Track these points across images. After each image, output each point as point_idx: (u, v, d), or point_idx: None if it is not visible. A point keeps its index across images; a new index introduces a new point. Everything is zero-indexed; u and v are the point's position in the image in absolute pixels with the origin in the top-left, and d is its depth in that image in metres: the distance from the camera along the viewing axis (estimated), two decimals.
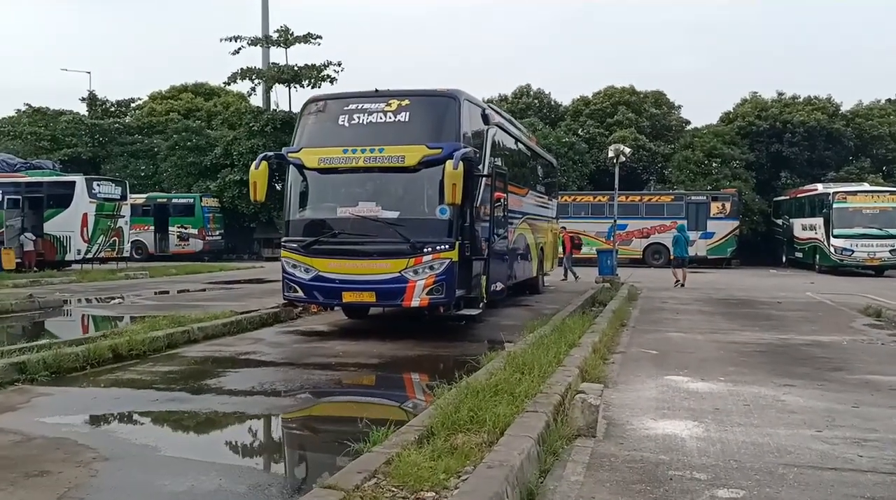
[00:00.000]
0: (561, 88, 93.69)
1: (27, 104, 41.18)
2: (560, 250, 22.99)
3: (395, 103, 10.85)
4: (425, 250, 10.21)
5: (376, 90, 11.16)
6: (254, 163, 10.59)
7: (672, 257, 22.96)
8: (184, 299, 15.88)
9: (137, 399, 6.92)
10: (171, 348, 9.35)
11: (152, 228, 35.12)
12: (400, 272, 10.23)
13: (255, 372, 8.17)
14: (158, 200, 35.72)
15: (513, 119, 15.56)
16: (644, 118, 41.66)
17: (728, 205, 33.54)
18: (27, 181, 26.02)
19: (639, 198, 34.98)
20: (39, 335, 9.95)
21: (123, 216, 27.33)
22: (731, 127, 39.47)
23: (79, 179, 25.95)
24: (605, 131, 40.42)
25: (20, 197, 25.64)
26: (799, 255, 32.09)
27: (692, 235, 33.91)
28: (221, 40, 38.22)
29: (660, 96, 43.94)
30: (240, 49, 38.46)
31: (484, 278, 11.24)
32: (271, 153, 11.06)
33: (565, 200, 34.08)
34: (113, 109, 42.73)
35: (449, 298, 10.38)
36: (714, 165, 38.52)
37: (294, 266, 10.69)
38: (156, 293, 17.45)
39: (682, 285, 20.41)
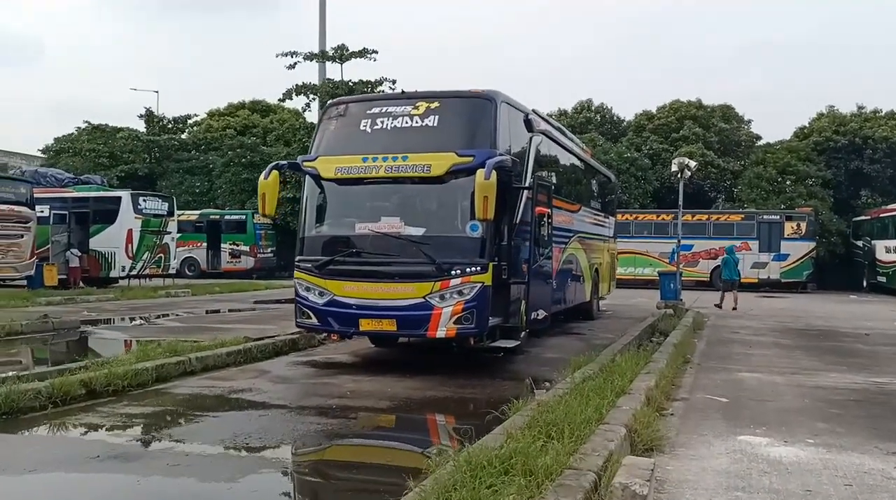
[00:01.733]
0: (623, 101, 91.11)
1: (87, 121, 41.68)
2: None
3: (423, 106, 9.60)
4: (453, 272, 8.87)
5: (403, 92, 9.97)
6: (263, 172, 9.46)
7: (721, 280, 22.14)
8: (210, 321, 14.91)
9: (74, 456, 5.71)
10: (161, 381, 8.23)
11: (205, 244, 34.79)
12: (424, 298, 8.92)
13: (237, 418, 6.92)
14: (211, 216, 35.40)
15: (564, 128, 14.15)
16: (712, 133, 39.48)
17: (804, 225, 31.19)
18: (74, 196, 25.77)
19: (706, 217, 32.88)
20: (38, 361, 8.95)
21: (170, 232, 26.82)
22: (807, 143, 37.02)
23: (124, 194, 25.56)
24: (669, 147, 38.43)
25: (67, 212, 25.41)
26: (882, 279, 29.54)
27: (764, 256, 31.84)
28: (277, 55, 37.90)
29: (728, 110, 41.69)
30: (295, 64, 37.91)
31: (523, 304, 9.82)
32: (284, 162, 9.91)
33: (626, 219, 32.32)
34: (170, 125, 42.88)
35: (480, 328, 9.00)
36: (788, 182, 36.10)
37: (307, 289, 9.49)
38: (184, 314, 16.53)
39: (734, 309, 19.69)
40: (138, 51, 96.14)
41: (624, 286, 29.54)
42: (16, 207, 21.14)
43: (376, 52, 37.56)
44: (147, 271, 25.97)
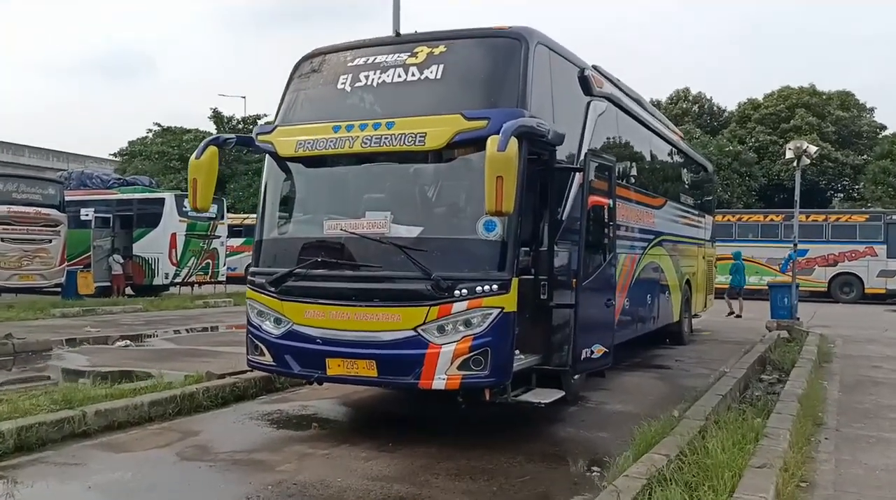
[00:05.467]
0: (724, 90, 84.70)
1: (157, 124, 40.92)
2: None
3: (423, 52, 6.70)
4: (457, 291, 5.91)
5: (397, 34, 7.08)
6: (196, 150, 6.74)
7: (727, 287, 20.76)
8: (212, 341, 12.46)
9: None
10: (22, 451, 5.66)
11: None
12: (415, 330, 5.99)
13: None
14: None
15: (642, 98, 10.89)
16: (828, 123, 34.76)
17: None
18: (118, 199, 24.18)
19: (823, 217, 28.35)
20: None
21: (219, 237, 24.90)
22: None
23: (168, 196, 23.76)
24: (778, 139, 33.96)
25: (111, 216, 23.83)
26: None
27: (893, 263, 27.16)
28: None
29: (847, 97, 36.80)
30: None
31: (570, 335, 6.73)
32: (229, 136, 7.12)
33: (728, 220, 28.34)
34: (240, 126, 41.60)
35: (497, 377, 6.00)
36: None
37: (260, 314, 6.73)
38: (191, 332, 14.15)
39: (739, 317, 19.06)
40: (235, 60, 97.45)
41: (723, 296, 25.68)
42: (43, 210, 19.54)
43: None
44: (193, 279, 24.15)
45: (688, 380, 9.47)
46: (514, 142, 5.56)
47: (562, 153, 6.99)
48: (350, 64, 6.99)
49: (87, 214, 23.74)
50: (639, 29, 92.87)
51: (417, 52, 6.72)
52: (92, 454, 5.86)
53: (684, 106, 39.35)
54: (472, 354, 5.91)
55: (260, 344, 6.71)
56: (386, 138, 6.21)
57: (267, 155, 7.06)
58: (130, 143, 43.18)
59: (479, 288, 5.92)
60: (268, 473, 5.39)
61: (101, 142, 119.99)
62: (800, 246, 20.02)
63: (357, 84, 6.84)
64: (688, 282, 13.32)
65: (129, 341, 12.19)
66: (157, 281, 23.39)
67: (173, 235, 23.20)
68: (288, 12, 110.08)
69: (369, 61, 6.88)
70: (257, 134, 6.96)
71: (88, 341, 12.07)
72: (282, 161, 6.89)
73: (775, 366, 10.26)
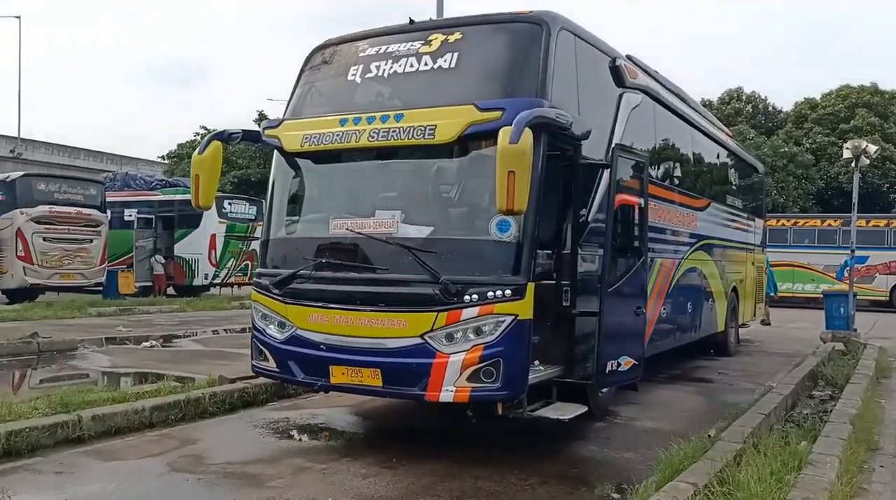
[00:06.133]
0: (780, 90, 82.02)
1: (203, 127, 41.39)
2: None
3: (437, 40, 6.26)
4: (467, 297, 5.45)
5: (411, 21, 6.64)
6: (200, 145, 6.41)
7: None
8: (239, 344, 12.20)
9: None
10: (10, 457, 5.40)
11: None
12: (422, 337, 5.55)
13: None
14: None
15: (683, 92, 10.24)
16: (891, 123, 33.15)
17: None
18: (160, 200, 24.34)
19: (884, 222, 26.99)
20: None
21: (258, 238, 24.84)
22: None
23: None
24: (837, 140, 32.48)
25: (153, 216, 24.03)
26: None
27: None
28: None
29: None
30: None
31: (595, 346, 6.19)
32: (235, 130, 6.75)
33: (782, 225, 27.23)
34: None
35: (510, 390, 5.52)
36: None
37: (264, 317, 6.37)
38: (223, 333, 13.97)
39: (768, 324, 17.57)
40: (286, 64, 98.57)
41: (779, 305, 24.59)
42: (84, 210, 19.71)
43: None
44: (232, 280, 24.23)
45: (730, 395, 8.81)
46: (528, 134, 5.08)
47: (590, 149, 6.46)
48: (361, 54, 6.59)
49: (130, 214, 24.08)
50: (684, 26, 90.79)
51: (431, 41, 6.28)
52: (81, 461, 5.57)
53: (737, 106, 38.02)
54: (482, 364, 5.44)
55: (264, 349, 6.36)
56: (394, 132, 5.78)
57: (275, 151, 6.71)
58: (179, 145, 43.77)
59: (490, 293, 5.45)
60: (256, 488, 4.99)
61: (154, 145, 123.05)
62: (859, 252, 18.99)
63: (368, 75, 6.44)
64: (734, 289, 12.57)
65: (154, 342, 12.03)
66: (198, 282, 23.49)
67: (213, 237, 23.27)
68: (341, 17, 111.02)
69: (381, 51, 6.47)
70: (264, 128, 6.60)
71: (115, 341, 11.94)
72: (288, 157, 6.52)
73: (828, 381, 9.49)
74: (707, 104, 37.82)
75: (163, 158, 45.29)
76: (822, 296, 16.66)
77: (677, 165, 9.66)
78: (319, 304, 5.96)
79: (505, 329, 5.45)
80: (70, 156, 47.40)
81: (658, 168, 8.77)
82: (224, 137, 6.47)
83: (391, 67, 6.35)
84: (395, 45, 6.45)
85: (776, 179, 31.59)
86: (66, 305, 17.14)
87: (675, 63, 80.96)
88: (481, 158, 5.73)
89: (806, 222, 28.35)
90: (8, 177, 19.33)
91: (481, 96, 5.74)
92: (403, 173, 6.31)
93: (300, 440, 6.43)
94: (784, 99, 58.30)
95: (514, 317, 5.45)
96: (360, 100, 6.40)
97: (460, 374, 5.46)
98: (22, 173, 20.34)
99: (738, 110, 37.85)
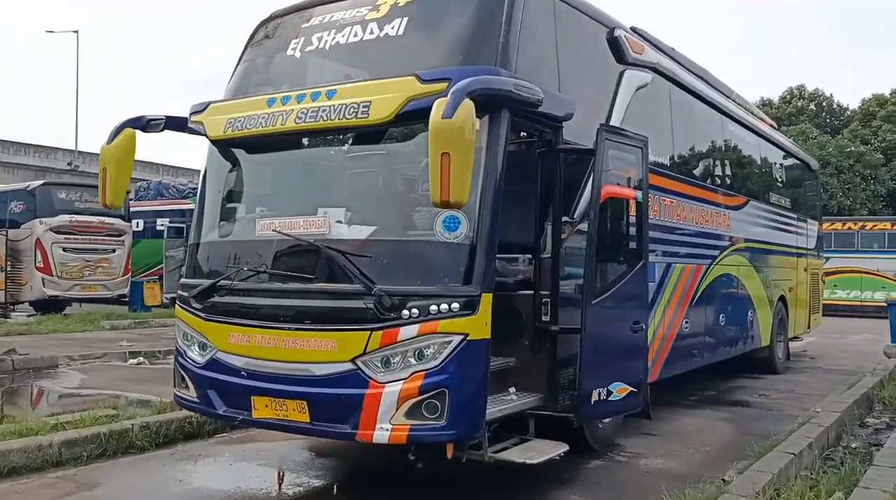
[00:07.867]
0: (845, 87, 78.12)
1: None
2: None
3: (385, 4, 5.25)
4: (405, 312, 4.39)
5: None
6: (109, 134, 5.53)
7: None
8: None
9: None
10: None
11: None
12: (353, 361, 4.51)
13: None
14: None
15: (709, 73, 8.94)
16: None
17: None
18: (191, 208, 23.93)
19: None
20: None
21: None
22: None
23: None
24: None
25: (184, 226, 23.63)
26: None
27: None
28: None
29: None
30: None
31: (578, 371, 5.04)
32: (155, 117, 5.81)
33: (848, 228, 25.26)
34: None
35: (458, 428, 4.41)
36: None
37: (185, 337, 5.43)
38: None
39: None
40: None
41: (843, 314, 22.71)
42: (107, 219, 19.32)
43: None
44: None
45: (767, 423, 7.47)
46: (467, 106, 4.01)
47: (581, 135, 5.34)
48: (304, 25, 5.62)
49: (162, 224, 23.76)
50: (744, 24, 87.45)
51: (380, 5, 5.27)
52: None
53: (799, 104, 35.84)
54: (423, 397, 4.36)
55: (185, 374, 5.40)
56: (324, 111, 4.77)
57: (209, 143, 5.77)
58: None
59: (434, 307, 4.38)
60: None
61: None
62: None
63: (308, 48, 5.47)
64: (782, 298, 11.13)
65: (143, 359, 11.29)
66: None
67: None
68: None
69: (325, 20, 5.50)
70: (191, 114, 5.67)
71: (102, 358, 11.25)
72: (214, 146, 5.58)
73: (886, 405, 8.09)
74: (766, 103, 35.79)
75: None
76: (887, 306, 14.91)
77: (702, 156, 8.39)
78: (240, 321, 4.99)
79: (452, 352, 4.36)
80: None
81: (675, 159, 7.54)
82: (141, 124, 5.55)
83: (333, 38, 5.36)
84: (340, 12, 5.47)
85: (842, 181, 29.54)
86: (80, 318, 16.67)
87: (736, 61, 78.11)
88: (426, 141, 4.67)
89: (875, 226, 26.27)
90: (28, 186, 19.10)
91: (433, 67, 4.69)
92: (338, 162, 5.30)
93: (230, 487, 5.40)
94: (850, 96, 55.35)
95: (463, 337, 4.37)
96: (297, 77, 5.44)
97: (397, 408, 4.39)
98: (42, 182, 20.09)
99: (801, 108, 35.68)
